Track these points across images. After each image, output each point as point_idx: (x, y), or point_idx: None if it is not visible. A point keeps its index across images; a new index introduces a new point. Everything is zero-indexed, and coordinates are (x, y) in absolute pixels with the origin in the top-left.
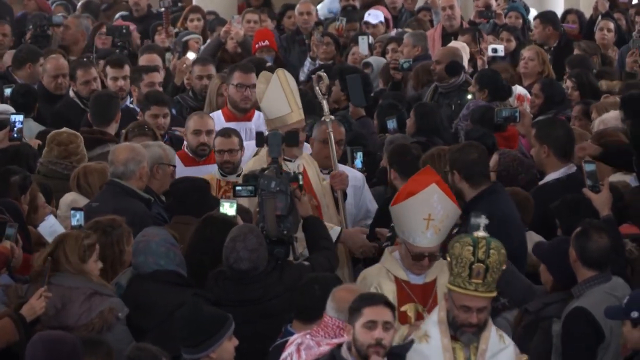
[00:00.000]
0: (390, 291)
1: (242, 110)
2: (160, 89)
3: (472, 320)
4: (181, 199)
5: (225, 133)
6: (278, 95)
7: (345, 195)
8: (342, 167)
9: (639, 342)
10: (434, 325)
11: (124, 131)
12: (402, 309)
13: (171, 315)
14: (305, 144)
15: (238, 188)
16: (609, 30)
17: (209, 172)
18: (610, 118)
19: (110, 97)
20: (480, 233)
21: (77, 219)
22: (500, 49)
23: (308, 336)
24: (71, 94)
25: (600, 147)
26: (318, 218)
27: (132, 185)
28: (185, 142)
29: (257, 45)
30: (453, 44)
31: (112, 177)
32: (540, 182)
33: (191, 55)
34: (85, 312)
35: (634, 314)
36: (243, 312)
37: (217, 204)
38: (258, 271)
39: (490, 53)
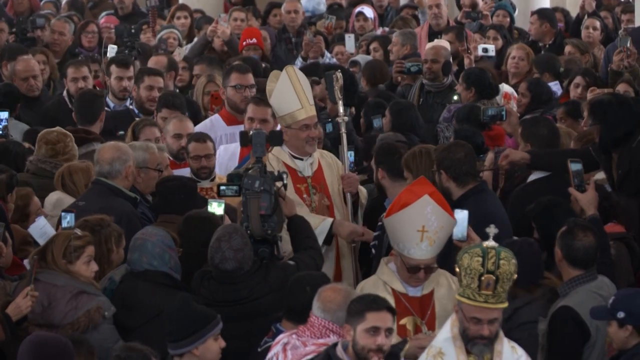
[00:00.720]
0: None
1: (241, 111)
2: (158, 94)
3: (484, 332)
4: (167, 198)
5: (200, 138)
6: (287, 92)
7: (356, 197)
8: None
9: (625, 342)
10: (448, 342)
11: (131, 126)
12: (401, 322)
13: (158, 316)
14: None
15: (222, 188)
16: (594, 28)
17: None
18: None
19: (95, 95)
20: (490, 243)
21: (68, 220)
22: (491, 49)
23: (294, 336)
24: (64, 93)
25: (527, 153)
26: (303, 217)
27: (118, 184)
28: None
29: (244, 43)
30: (437, 42)
31: (97, 177)
32: (526, 181)
33: (178, 52)
34: (72, 310)
35: (620, 314)
36: (229, 311)
37: (204, 204)
38: (243, 271)
39: (480, 53)
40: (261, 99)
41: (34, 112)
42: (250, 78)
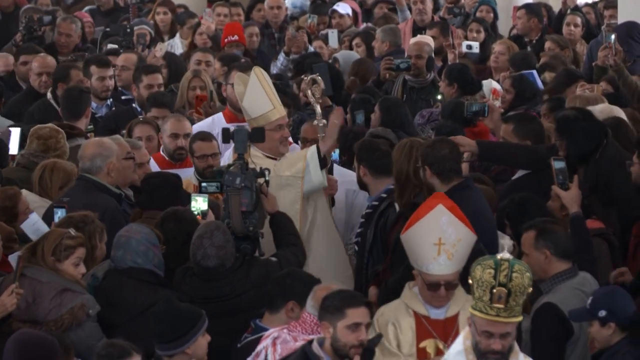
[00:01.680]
0: (408, 326)
1: None
2: (160, 90)
3: (495, 347)
4: (152, 194)
5: (206, 137)
6: (258, 93)
7: (332, 201)
8: (341, 170)
9: (608, 340)
10: (460, 355)
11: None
12: (421, 345)
13: (142, 313)
14: (295, 144)
15: (204, 184)
16: (575, 25)
17: (186, 176)
18: (596, 111)
19: (81, 91)
20: (504, 255)
21: (59, 215)
22: (475, 45)
23: (285, 330)
24: (49, 95)
25: (475, 144)
26: (285, 214)
27: (101, 180)
28: (162, 145)
29: (226, 40)
30: (420, 38)
31: (81, 172)
32: (513, 177)
33: (160, 48)
34: (56, 307)
35: (602, 313)
36: (211, 308)
37: (189, 199)
38: (225, 267)
39: (464, 49)
40: None
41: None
42: None
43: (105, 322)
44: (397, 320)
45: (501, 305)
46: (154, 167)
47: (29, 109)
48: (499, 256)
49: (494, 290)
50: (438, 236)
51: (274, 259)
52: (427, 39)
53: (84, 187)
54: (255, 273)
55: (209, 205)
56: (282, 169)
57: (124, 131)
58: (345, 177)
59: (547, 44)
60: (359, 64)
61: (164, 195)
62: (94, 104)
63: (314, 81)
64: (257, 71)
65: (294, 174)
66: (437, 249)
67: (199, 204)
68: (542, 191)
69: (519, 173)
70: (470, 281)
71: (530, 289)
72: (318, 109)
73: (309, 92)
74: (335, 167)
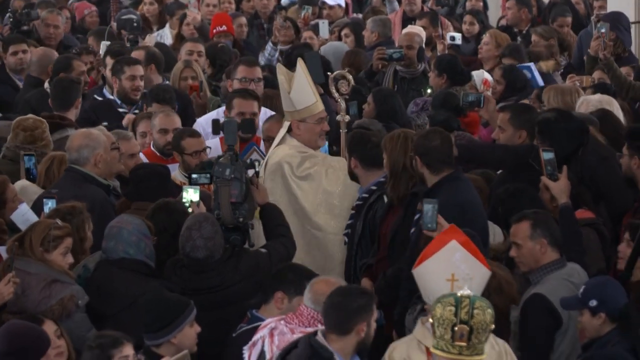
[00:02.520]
0: None
1: None
2: (141, 82)
3: None
4: (140, 185)
5: (194, 133)
6: (304, 85)
7: None
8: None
9: (599, 330)
10: None
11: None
12: None
13: (133, 304)
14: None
15: (195, 176)
16: (566, 25)
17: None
18: (594, 100)
19: (71, 82)
20: (464, 291)
21: (49, 206)
22: (458, 37)
23: (282, 322)
24: (46, 85)
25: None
26: (275, 205)
27: (89, 171)
28: (152, 140)
29: (214, 30)
30: (410, 28)
31: (69, 164)
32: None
33: (149, 40)
34: (45, 298)
35: (593, 303)
36: (201, 299)
37: (178, 191)
38: (214, 259)
39: (448, 41)
40: (248, 92)
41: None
42: (257, 71)
43: (96, 312)
44: (409, 357)
45: (463, 344)
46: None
47: (25, 97)
48: (459, 293)
49: (456, 328)
50: (451, 272)
51: (263, 250)
52: (417, 29)
53: (73, 179)
54: (244, 264)
55: (201, 197)
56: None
57: (105, 123)
58: None
59: (533, 37)
60: (354, 55)
61: (153, 186)
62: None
63: (342, 76)
64: (302, 63)
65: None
66: (449, 285)
67: (190, 195)
68: (537, 183)
69: None
70: (430, 320)
71: (493, 326)
72: (343, 104)
73: (333, 87)
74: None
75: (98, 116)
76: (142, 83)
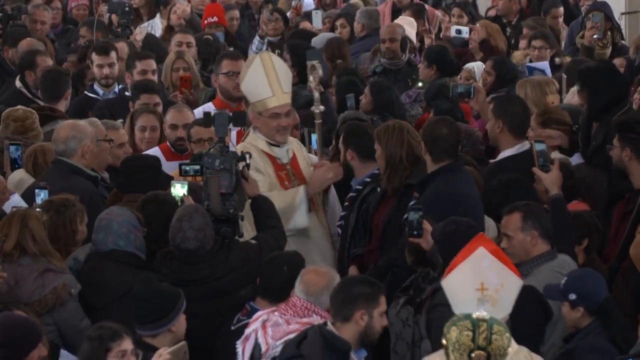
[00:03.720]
0: None
1: (235, 99)
2: (155, 77)
3: None
4: (132, 177)
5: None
6: (259, 78)
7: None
8: None
9: (577, 322)
10: None
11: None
12: None
13: (124, 296)
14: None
15: (185, 168)
16: (560, 16)
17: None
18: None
19: (59, 73)
20: (481, 314)
21: (42, 197)
22: (465, 30)
23: (276, 313)
24: (18, 83)
25: None
26: (266, 197)
27: (76, 162)
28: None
29: (206, 22)
30: (400, 19)
31: (56, 156)
32: (496, 159)
33: (140, 31)
34: (39, 288)
35: (572, 296)
36: (192, 291)
37: (169, 182)
38: (205, 250)
39: (453, 34)
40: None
41: None
42: (241, 64)
43: (87, 304)
44: None
45: None
46: (159, 157)
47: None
48: (475, 315)
49: (473, 355)
50: (480, 281)
51: (253, 241)
52: (407, 20)
53: (60, 171)
54: (235, 256)
55: (190, 190)
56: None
57: (121, 120)
58: None
59: (525, 29)
60: (336, 46)
61: (145, 178)
62: (100, 91)
63: (313, 67)
64: (265, 56)
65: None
66: (479, 294)
67: (177, 190)
68: (527, 172)
69: (502, 155)
70: (444, 342)
71: (510, 349)
72: (317, 94)
73: (310, 77)
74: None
75: (112, 113)
76: (154, 77)
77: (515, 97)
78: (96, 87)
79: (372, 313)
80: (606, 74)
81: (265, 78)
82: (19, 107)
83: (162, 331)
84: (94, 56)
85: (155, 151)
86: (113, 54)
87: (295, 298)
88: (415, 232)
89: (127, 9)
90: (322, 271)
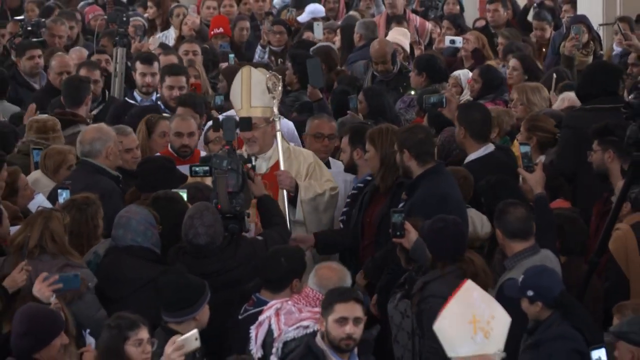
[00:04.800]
0: None
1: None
2: (179, 92)
3: None
4: (148, 178)
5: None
6: (236, 91)
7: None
8: (337, 162)
9: (537, 316)
10: None
11: (144, 120)
12: None
13: (140, 288)
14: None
15: (195, 169)
16: (543, 29)
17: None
18: (573, 98)
19: (81, 81)
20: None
21: (64, 197)
22: (459, 40)
23: (290, 302)
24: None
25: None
26: (271, 197)
27: (101, 163)
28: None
29: (212, 32)
30: (394, 32)
31: (81, 157)
32: (464, 162)
33: (153, 41)
34: None
35: (529, 293)
36: None
37: (184, 180)
38: (215, 245)
39: (447, 44)
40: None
41: None
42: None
43: (105, 296)
44: None
45: None
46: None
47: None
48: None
49: None
50: (472, 313)
51: (260, 237)
52: (400, 31)
53: (85, 170)
54: (242, 251)
55: (200, 188)
56: None
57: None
58: (341, 168)
59: (500, 39)
60: (324, 54)
61: (160, 178)
62: (138, 98)
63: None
64: (246, 70)
65: None
66: (472, 327)
67: None
68: (505, 167)
69: (469, 158)
70: None
71: None
72: (276, 104)
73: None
74: (331, 159)
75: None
76: (179, 93)
77: (476, 104)
78: (136, 93)
79: (328, 319)
80: (601, 63)
81: (239, 91)
82: (42, 115)
83: (187, 319)
84: (138, 64)
85: None
86: (156, 64)
87: (308, 289)
88: (398, 233)
89: (124, 18)
90: (335, 267)
